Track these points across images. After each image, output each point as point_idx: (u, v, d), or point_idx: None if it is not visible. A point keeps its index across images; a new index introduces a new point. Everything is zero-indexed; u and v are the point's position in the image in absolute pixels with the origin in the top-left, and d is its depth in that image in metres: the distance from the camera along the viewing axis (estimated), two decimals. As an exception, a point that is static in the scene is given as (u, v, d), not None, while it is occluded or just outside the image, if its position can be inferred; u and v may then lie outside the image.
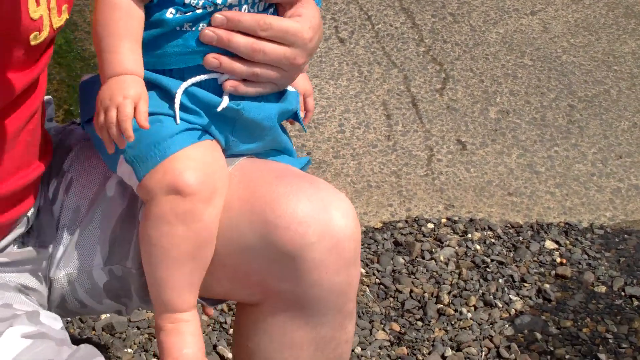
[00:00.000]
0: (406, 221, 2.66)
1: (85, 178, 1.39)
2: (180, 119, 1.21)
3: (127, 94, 1.13)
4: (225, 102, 1.22)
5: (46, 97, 1.43)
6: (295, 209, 1.22)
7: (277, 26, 1.24)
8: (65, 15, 1.25)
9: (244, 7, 1.23)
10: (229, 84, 1.23)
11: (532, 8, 3.78)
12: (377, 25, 3.55)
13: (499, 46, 3.50)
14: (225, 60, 1.22)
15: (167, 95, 1.22)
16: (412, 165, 2.86)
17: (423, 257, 2.51)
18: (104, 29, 1.18)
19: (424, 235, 2.61)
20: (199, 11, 1.20)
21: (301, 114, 1.43)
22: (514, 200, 2.77)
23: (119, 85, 1.14)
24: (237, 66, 1.23)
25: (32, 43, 1.16)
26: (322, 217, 1.23)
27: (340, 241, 1.23)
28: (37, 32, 1.16)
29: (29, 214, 1.34)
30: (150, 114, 1.15)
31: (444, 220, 2.68)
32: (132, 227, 1.34)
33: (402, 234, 2.60)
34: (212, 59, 1.22)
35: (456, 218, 2.68)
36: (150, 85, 1.20)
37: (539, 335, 2.29)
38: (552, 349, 2.25)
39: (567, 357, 2.23)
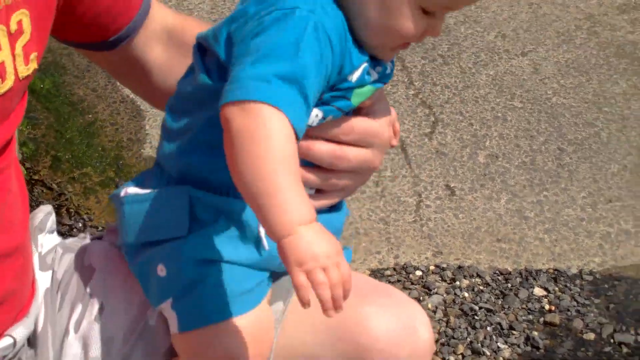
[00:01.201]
0: (394, 269, 2.65)
1: (118, 304, 1.22)
2: (245, 265, 1.10)
3: (338, 249, 0.93)
4: None
5: (45, 207, 1.33)
6: (387, 330, 1.19)
7: (359, 129, 1.14)
8: (34, 65, 1.10)
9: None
10: None
11: (522, 49, 3.79)
12: (367, 68, 3.55)
13: (488, 88, 3.50)
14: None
15: (234, 224, 1.09)
16: (400, 211, 2.85)
17: (411, 306, 2.50)
18: (266, 163, 0.93)
19: (412, 283, 2.59)
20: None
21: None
22: (502, 247, 2.76)
23: (324, 239, 0.92)
24: (311, 177, 1.13)
25: None
26: (411, 335, 1.21)
27: (426, 354, 1.23)
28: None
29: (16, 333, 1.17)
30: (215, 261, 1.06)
31: (432, 268, 2.66)
32: None
33: (390, 282, 2.58)
34: None
35: (444, 265, 2.67)
36: (213, 211, 1.09)
37: (526, 386, 2.27)
38: (540, 400, 2.23)
39: (554, 408, 2.21)
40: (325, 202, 1.16)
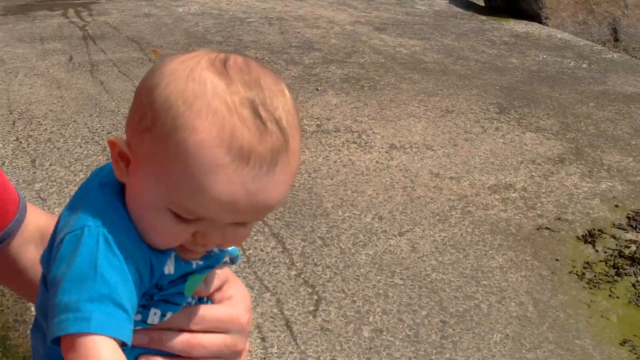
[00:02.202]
0: None
1: None
2: None
3: None
4: None
5: None
6: None
7: (210, 317, 1.18)
8: None
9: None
10: None
11: (399, 229, 3.86)
12: (248, 250, 3.55)
13: (369, 267, 3.53)
14: None
15: None
16: (287, 389, 2.79)
17: None
18: None
19: None
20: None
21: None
22: (392, 419, 2.70)
23: None
24: None
25: None
26: None
27: None
28: None
29: None
30: None
31: None
32: None
33: None
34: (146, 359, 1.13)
35: None
36: None
37: None
38: None
39: None
40: None
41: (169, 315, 1.15)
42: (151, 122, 1.02)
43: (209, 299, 1.22)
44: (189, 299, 1.18)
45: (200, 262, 1.15)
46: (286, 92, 1.07)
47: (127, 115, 1.10)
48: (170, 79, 1.03)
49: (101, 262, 1.02)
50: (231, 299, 1.21)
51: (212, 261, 1.18)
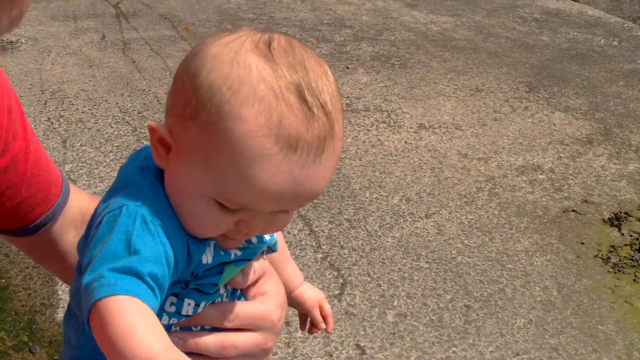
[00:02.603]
0: None
1: None
2: None
3: None
4: None
5: None
6: None
7: (243, 314, 1.18)
8: None
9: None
10: None
11: (426, 211, 3.90)
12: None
13: (395, 250, 3.57)
14: None
15: None
16: (312, 372, 2.84)
17: None
18: (130, 335, 0.94)
19: None
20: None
21: (322, 325, 1.37)
22: (414, 404, 2.75)
23: None
24: None
25: None
26: None
27: None
28: None
29: None
30: None
31: None
32: None
33: None
34: None
35: None
36: None
37: None
38: None
39: None
40: None
41: (202, 305, 1.15)
42: (195, 110, 1.00)
43: (242, 293, 1.22)
44: (221, 290, 1.18)
45: (239, 253, 1.15)
46: (329, 73, 1.05)
47: (168, 98, 1.08)
48: (214, 64, 1.01)
49: (136, 239, 1.00)
50: (265, 294, 1.21)
51: (249, 252, 1.17)
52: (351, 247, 3.56)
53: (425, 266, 3.47)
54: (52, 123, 4.51)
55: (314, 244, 3.56)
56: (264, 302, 1.20)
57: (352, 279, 3.34)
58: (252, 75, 0.99)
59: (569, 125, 4.95)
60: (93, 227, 1.06)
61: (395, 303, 3.22)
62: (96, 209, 1.10)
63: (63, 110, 4.69)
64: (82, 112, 4.68)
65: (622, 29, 7.03)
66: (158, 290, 1.01)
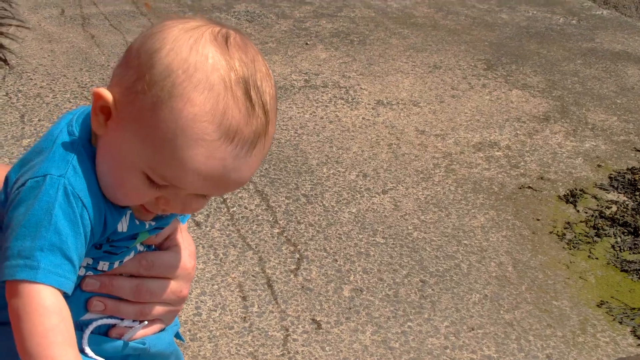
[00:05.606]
0: (261, 405, 2.61)
1: None
2: None
3: None
4: (128, 342, 1.22)
5: None
6: None
7: (159, 263, 1.23)
8: None
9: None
10: (114, 333, 1.21)
11: (383, 187, 3.89)
12: (232, 208, 3.58)
13: (351, 225, 3.57)
14: (110, 304, 1.19)
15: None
16: (268, 345, 2.83)
17: None
18: (44, 339, 1.04)
19: (279, 419, 2.55)
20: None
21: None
22: (369, 378, 2.75)
23: None
24: (124, 308, 1.21)
25: None
26: None
27: None
28: None
29: None
30: None
31: (299, 402, 2.63)
32: None
33: (257, 419, 2.53)
34: (97, 302, 1.19)
35: (312, 399, 2.64)
36: None
37: None
38: None
39: None
40: (148, 332, 1.25)
41: (117, 264, 1.20)
42: (148, 85, 1.04)
43: (156, 248, 1.27)
44: (138, 246, 1.22)
45: (153, 223, 1.20)
46: (272, 76, 1.12)
47: (116, 69, 1.10)
48: (174, 46, 1.05)
49: (57, 212, 1.06)
50: (178, 244, 1.27)
51: (163, 223, 1.22)
52: (308, 223, 3.55)
53: (382, 241, 3.47)
54: (10, 98, 4.43)
55: (270, 219, 3.54)
56: (178, 252, 1.26)
57: (308, 254, 3.33)
58: (208, 64, 1.04)
59: (526, 102, 4.97)
60: (17, 184, 1.10)
61: (351, 278, 3.21)
62: (21, 160, 1.14)
63: (21, 85, 4.61)
64: (41, 87, 4.61)
65: (581, 8, 7.07)
66: (78, 263, 1.09)
